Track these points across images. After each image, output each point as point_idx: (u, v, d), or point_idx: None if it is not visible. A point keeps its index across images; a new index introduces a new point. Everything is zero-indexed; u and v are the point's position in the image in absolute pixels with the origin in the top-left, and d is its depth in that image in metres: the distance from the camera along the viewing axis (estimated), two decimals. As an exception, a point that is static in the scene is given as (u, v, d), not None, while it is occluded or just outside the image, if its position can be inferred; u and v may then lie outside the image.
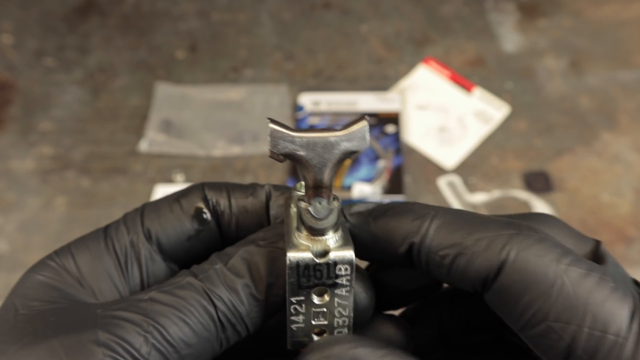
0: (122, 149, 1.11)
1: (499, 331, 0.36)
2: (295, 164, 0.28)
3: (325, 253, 0.27)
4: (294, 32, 1.30)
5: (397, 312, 0.36)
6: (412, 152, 1.10)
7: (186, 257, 0.35)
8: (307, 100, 1.17)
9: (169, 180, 1.07)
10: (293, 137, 0.27)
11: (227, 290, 0.29)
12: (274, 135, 0.27)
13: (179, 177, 1.08)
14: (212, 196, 0.35)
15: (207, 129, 1.14)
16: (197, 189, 0.35)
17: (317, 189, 0.29)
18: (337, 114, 1.15)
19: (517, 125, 1.13)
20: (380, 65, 1.24)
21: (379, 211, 0.32)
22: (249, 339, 0.32)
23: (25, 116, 1.17)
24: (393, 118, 1.13)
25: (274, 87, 1.20)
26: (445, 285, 0.37)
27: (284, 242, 0.29)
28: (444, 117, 1.15)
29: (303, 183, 0.29)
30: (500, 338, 0.37)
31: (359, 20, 1.32)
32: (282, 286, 0.29)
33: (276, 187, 0.36)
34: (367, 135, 0.27)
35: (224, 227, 0.35)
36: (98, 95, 1.20)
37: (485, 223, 0.28)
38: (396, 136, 1.11)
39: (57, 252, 0.33)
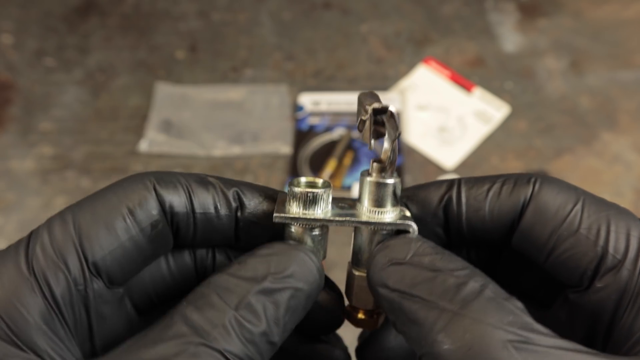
0: (122, 149, 1.11)
1: None
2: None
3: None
4: (294, 32, 1.30)
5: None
6: (412, 152, 1.10)
7: (135, 275, 0.30)
8: (307, 100, 1.17)
9: (169, 180, 1.07)
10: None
11: (245, 345, 0.26)
12: None
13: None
14: (169, 200, 0.29)
15: (207, 129, 1.14)
16: (148, 192, 0.29)
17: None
18: (337, 114, 1.15)
19: (517, 125, 1.13)
20: (380, 65, 1.24)
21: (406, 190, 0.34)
22: None
23: (25, 116, 1.17)
24: (393, 118, 1.13)
25: (274, 87, 1.20)
26: None
27: (294, 276, 0.29)
28: (444, 117, 1.15)
29: (301, 179, 0.33)
30: None
31: (359, 20, 1.32)
32: (295, 320, 0.29)
33: (248, 192, 0.32)
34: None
35: (182, 234, 0.31)
36: (98, 95, 1.20)
37: (502, 175, 0.32)
38: (396, 136, 1.11)
39: None
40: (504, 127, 1.13)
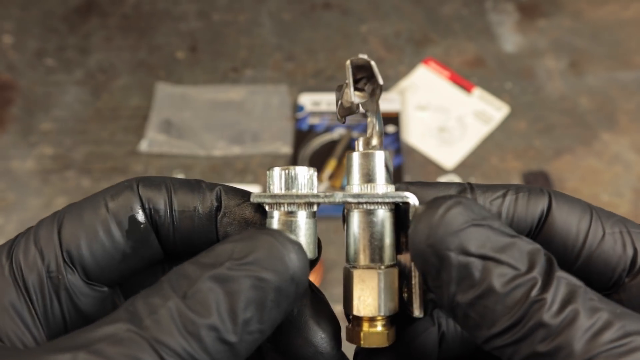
0: (122, 149, 1.12)
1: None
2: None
3: None
4: (294, 33, 1.30)
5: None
6: (412, 152, 1.10)
7: (120, 277, 0.29)
8: (307, 100, 1.17)
9: (170, 180, 1.08)
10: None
11: (185, 338, 0.22)
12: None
13: (180, 177, 1.08)
14: (149, 196, 0.29)
15: (207, 129, 1.14)
16: (130, 190, 0.29)
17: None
18: (337, 114, 1.15)
19: (517, 125, 1.13)
20: (380, 65, 1.24)
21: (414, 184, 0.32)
22: None
23: (26, 116, 1.17)
24: (393, 118, 1.13)
25: (274, 87, 1.20)
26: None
27: (257, 263, 0.24)
28: (444, 117, 1.15)
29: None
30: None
31: (359, 21, 1.32)
32: (262, 320, 0.24)
33: (229, 193, 0.30)
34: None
35: (163, 233, 0.29)
36: (98, 95, 1.20)
37: (511, 184, 0.32)
38: (396, 136, 1.11)
39: None
40: (504, 127, 1.13)
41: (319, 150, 1.10)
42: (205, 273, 0.24)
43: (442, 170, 1.07)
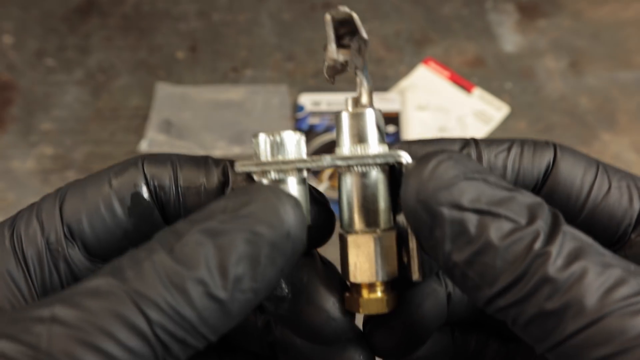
0: (122, 149, 1.12)
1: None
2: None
3: None
4: (294, 33, 1.30)
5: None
6: (412, 152, 1.10)
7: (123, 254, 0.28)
8: (307, 100, 1.17)
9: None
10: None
11: (169, 290, 0.21)
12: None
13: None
14: (153, 173, 0.28)
15: (207, 129, 1.14)
16: (135, 166, 0.28)
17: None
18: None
19: (517, 125, 1.13)
20: (380, 65, 1.24)
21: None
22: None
23: (26, 116, 1.17)
24: (393, 118, 1.13)
25: (274, 87, 1.20)
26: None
27: (251, 217, 0.23)
28: (444, 117, 1.15)
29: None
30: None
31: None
32: (256, 278, 0.22)
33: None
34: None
35: (170, 210, 0.29)
36: (98, 95, 1.20)
37: (515, 139, 0.31)
38: (396, 136, 1.11)
39: None
40: (504, 128, 1.13)
41: (319, 150, 1.10)
42: (195, 227, 0.23)
43: (442, 170, 1.08)
